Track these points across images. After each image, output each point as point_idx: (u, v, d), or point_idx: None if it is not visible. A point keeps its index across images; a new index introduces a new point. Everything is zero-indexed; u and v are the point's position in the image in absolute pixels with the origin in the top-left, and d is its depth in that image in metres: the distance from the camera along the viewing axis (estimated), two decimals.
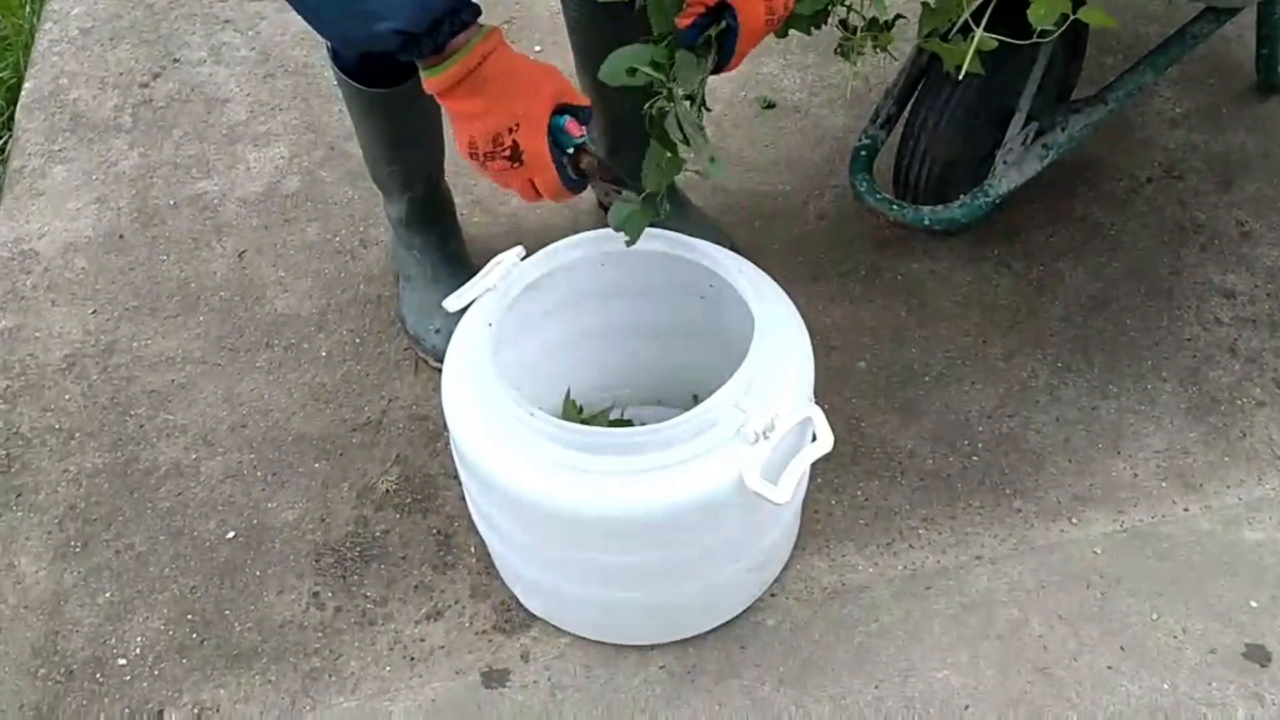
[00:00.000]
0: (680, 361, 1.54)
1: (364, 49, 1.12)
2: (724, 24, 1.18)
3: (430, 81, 1.15)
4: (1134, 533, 1.52)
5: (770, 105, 2.10)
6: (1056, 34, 1.39)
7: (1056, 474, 1.59)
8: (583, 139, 1.19)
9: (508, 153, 1.16)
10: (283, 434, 1.69)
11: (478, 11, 1.12)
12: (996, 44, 1.38)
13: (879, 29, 1.43)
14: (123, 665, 1.47)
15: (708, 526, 1.29)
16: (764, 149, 2.03)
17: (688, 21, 1.17)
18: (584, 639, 1.46)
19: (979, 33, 1.33)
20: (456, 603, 1.50)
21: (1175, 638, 1.42)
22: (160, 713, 1.43)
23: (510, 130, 1.15)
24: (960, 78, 1.40)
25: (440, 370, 1.39)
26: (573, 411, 1.54)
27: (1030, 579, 1.49)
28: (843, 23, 1.57)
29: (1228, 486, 1.56)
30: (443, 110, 1.64)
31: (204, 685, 1.45)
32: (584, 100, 1.21)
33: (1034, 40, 1.38)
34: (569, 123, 1.18)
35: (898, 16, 1.50)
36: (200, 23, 2.33)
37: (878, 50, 1.45)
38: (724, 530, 1.31)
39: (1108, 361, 1.71)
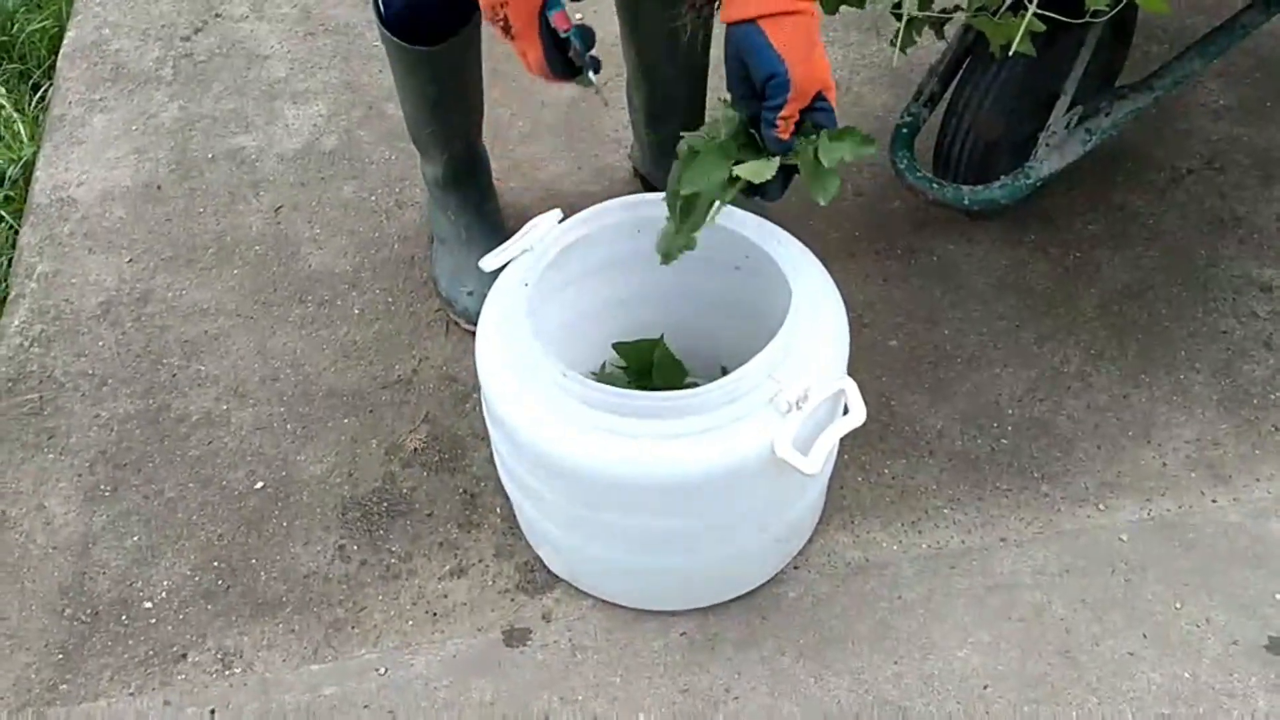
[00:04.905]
0: (712, 332, 1.54)
1: None
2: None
3: None
4: (1161, 521, 1.52)
5: None
6: (1108, 15, 1.37)
7: (1085, 460, 1.58)
8: (569, 32, 1.25)
9: (503, 24, 1.25)
10: (313, 389, 1.70)
11: None
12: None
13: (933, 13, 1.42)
14: (148, 608, 1.49)
15: (736, 494, 1.29)
16: None
17: (788, 135, 1.19)
18: (606, 602, 1.46)
19: (1032, 10, 1.32)
20: (480, 561, 1.51)
21: (1198, 627, 1.42)
22: (184, 656, 1.44)
23: (502, 4, 1.23)
24: (1009, 54, 1.39)
25: (471, 333, 1.39)
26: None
27: (1055, 563, 1.48)
28: (896, 10, 1.56)
29: (1257, 479, 1.56)
30: (483, 72, 1.66)
31: (228, 631, 1.46)
32: None
33: (1085, 21, 1.37)
34: (557, 16, 1.24)
35: (956, 8, 1.48)
36: None
37: (937, 36, 1.44)
38: (751, 499, 1.31)
39: (1141, 350, 1.70)
